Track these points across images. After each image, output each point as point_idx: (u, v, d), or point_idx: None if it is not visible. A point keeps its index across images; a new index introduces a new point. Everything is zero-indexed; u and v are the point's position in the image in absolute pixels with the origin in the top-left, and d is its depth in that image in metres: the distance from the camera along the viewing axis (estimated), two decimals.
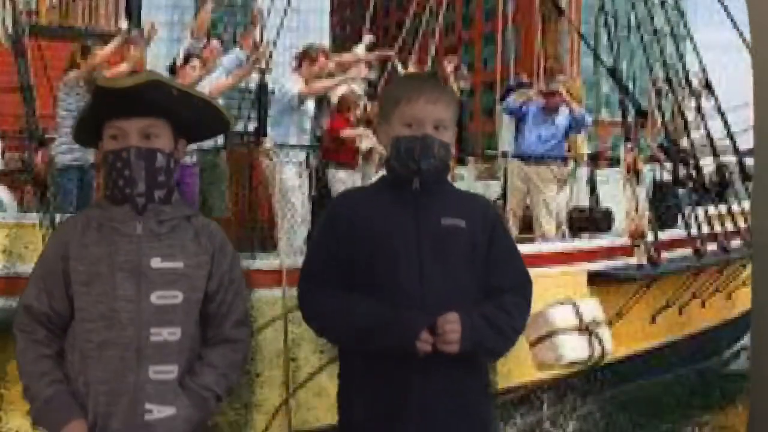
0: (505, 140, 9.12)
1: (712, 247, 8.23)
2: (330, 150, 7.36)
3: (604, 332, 7.12)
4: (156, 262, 2.15)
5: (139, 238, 2.16)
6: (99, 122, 2.22)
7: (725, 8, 10.36)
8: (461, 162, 9.41)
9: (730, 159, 9.32)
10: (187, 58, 7.01)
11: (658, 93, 9.65)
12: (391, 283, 2.28)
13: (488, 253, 2.37)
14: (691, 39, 10.04)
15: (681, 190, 8.78)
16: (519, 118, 8.56)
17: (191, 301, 2.20)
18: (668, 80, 9.41)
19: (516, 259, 2.46)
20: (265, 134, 7.05)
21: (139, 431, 2.11)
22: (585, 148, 10.11)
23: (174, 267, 2.17)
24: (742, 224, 8.63)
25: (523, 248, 3.21)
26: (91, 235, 2.18)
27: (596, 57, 11.15)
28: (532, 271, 2.53)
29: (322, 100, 7.73)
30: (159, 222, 2.20)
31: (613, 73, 8.53)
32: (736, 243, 8.56)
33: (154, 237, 2.18)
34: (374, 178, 6.96)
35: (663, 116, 9.02)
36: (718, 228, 8.37)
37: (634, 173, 7.81)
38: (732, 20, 10.26)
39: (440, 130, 2.33)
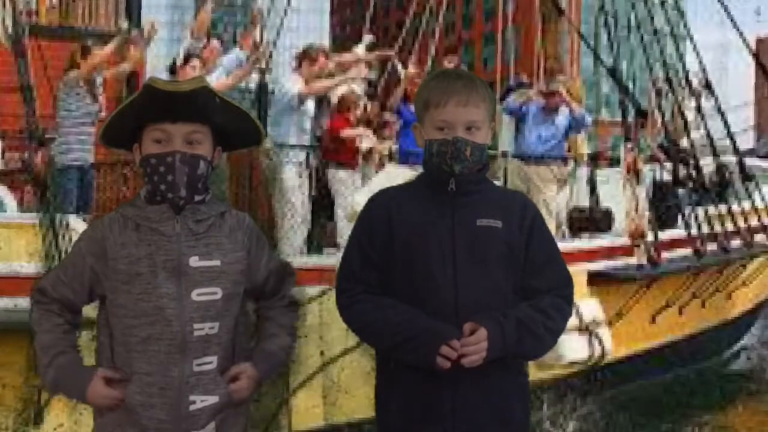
0: (505, 140, 9.11)
1: (712, 247, 8.23)
2: (330, 150, 7.36)
3: (604, 332, 7.14)
4: (194, 261, 2.20)
5: (178, 237, 2.20)
6: (139, 123, 2.22)
7: (725, 8, 10.37)
8: None
9: (730, 159, 9.32)
10: (187, 58, 7.00)
11: (658, 93, 9.64)
12: (425, 284, 2.28)
13: (526, 253, 2.35)
14: (691, 39, 10.04)
15: (681, 190, 8.77)
16: (519, 118, 8.55)
17: (230, 297, 2.26)
18: (668, 80, 9.41)
19: (555, 259, 2.41)
20: (265, 134, 7.04)
21: (184, 422, 2.18)
22: (585, 148, 10.10)
23: (211, 265, 2.22)
24: (742, 224, 8.63)
25: None
26: (129, 235, 2.21)
27: (596, 57, 11.17)
28: None
29: (322, 100, 7.72)
30: (196, 221, 2.24)
31: (613, 73, 8.54)
32: (736, 243, 8.55)
33: (192, 236, 2.22)
34: (374, 178, 7.00)
35: (663, 116, 9.02)
36: (718, 228, 8.37)
37: (634, 173, 7.81)
38: (732, 20, 10.27)
39: (473, 131, 2.31)
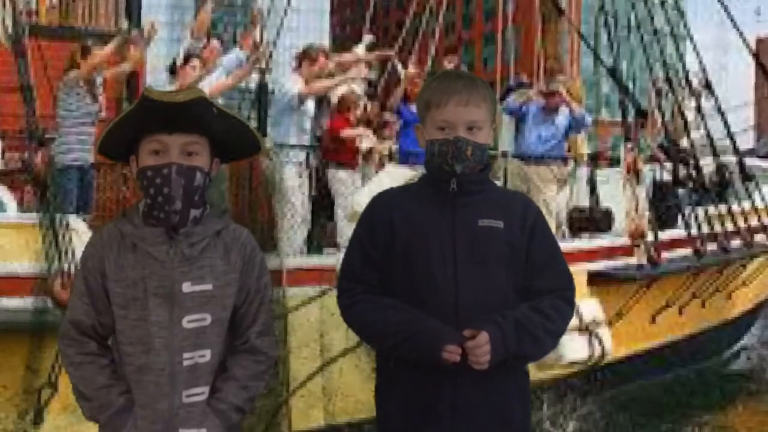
0: (505, 140, 9.11)
1: (712, 247, 8.23)
2: (330, 150, 7.36)
3: (604, 332, 7.14)
4: (187, 287, 2.16)
5: (171, 263, 2.16)
6: (135, 134, 2.19)
7: (725, 8, 10.37)
8: None
9: (730, 159, 9.31)
10: (187, 58, 7.00)
11: (658, 93, 9.64)
12: (426, 284, 2.28)
13: (528, 254, 2.34)
14: (691, 39, 10.03)
15: (681, 190, 8.77)
16: (519, 118, 8.56)
17: (219, 322, 2.21)
18: (668, 80, 9.41)
19: (556, 260, 2.40)
20: (265, 134, 7.05)
21: None
22: (585, 148, 10.10)
23: (203, 290, 2.17)
24: (742, 224, 8.63)
25: None
26: (126, 256, 2.17)
27: (596, 57, 11.16)
28: None
29: (322, 100, 7.72)
30: (190, 245, 2.19)
31: (613, 73, 8.53)
32: (736, 243, 8.55)
33: (185, 261, 2.17)
34: (374, 178, 7.00)
35: (663, 116, 9.02)
36: (718, 228, 8.37)
37: (634, 173, 7.81)
38: (732, 20, 10.27)
39: (474, 131, 2.31)
